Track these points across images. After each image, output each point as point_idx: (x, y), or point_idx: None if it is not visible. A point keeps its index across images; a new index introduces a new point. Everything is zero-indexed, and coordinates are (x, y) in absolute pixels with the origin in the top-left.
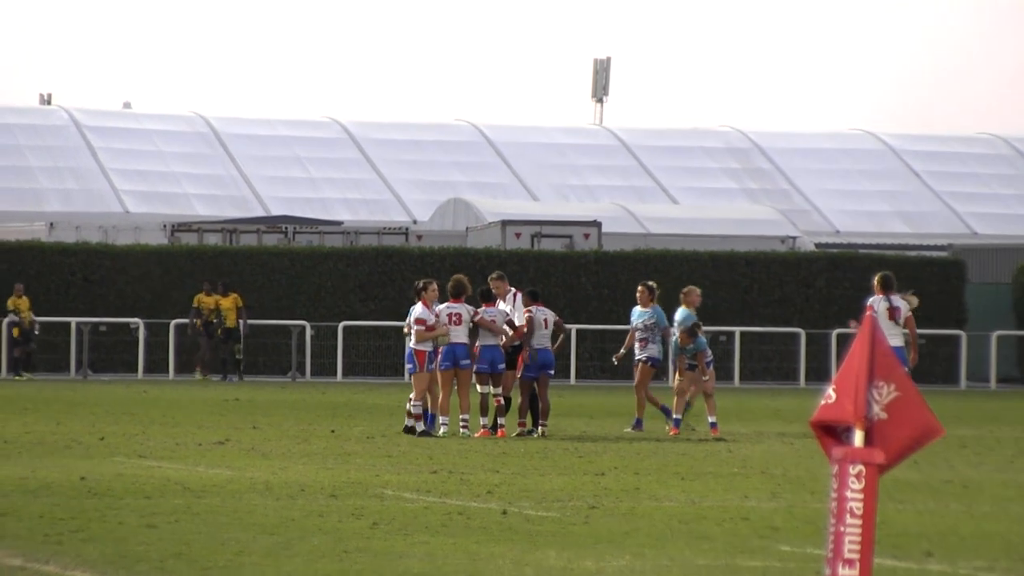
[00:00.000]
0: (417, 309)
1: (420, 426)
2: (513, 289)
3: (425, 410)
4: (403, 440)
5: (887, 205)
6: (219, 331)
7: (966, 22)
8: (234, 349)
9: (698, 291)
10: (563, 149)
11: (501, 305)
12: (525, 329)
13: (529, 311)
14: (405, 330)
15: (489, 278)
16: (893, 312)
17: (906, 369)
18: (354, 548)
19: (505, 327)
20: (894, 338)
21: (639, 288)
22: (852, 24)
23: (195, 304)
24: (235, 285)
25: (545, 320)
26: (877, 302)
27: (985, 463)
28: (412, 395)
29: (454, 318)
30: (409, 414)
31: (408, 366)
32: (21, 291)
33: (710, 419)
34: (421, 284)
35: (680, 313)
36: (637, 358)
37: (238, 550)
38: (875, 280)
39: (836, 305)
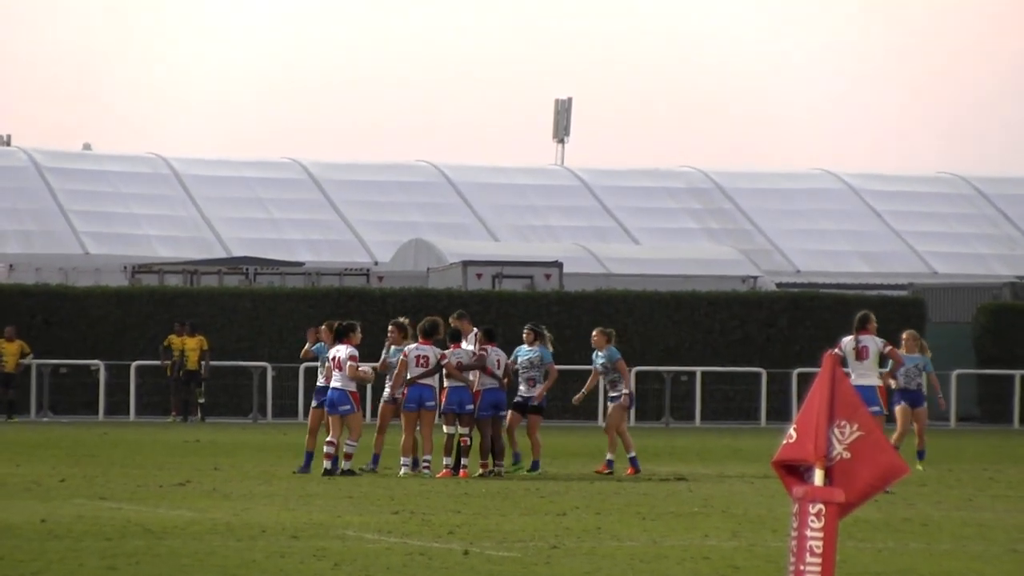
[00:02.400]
0: (352, 349)
1: (347, 464)
2: (475, 329)
3: (312, 453)
4: (364, 481)
5: (848, 244)
6: (180, 372)
7: (922, 62)
8: (195, 392)
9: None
10: (524, 190)
11: (465, 345)
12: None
13: (484, 350)
14: (324, 370)
15: (451, 318)
16: (860, 351)
17: (878, 408)
18: None
19: (467, 373)
20: (864, 377)
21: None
22: (810, 65)
23: (166, 344)
24: (200, 327)
25: (498, 361)
26: (847, 341)
27: (945, 501)
28: (353, 436)
29: (421, 360)
30: (348, 456)
31: (346, 407)
32: (12, 334)
33: (629, 454)
34: (347, 325)
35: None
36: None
37: None
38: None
39: (798, 345)
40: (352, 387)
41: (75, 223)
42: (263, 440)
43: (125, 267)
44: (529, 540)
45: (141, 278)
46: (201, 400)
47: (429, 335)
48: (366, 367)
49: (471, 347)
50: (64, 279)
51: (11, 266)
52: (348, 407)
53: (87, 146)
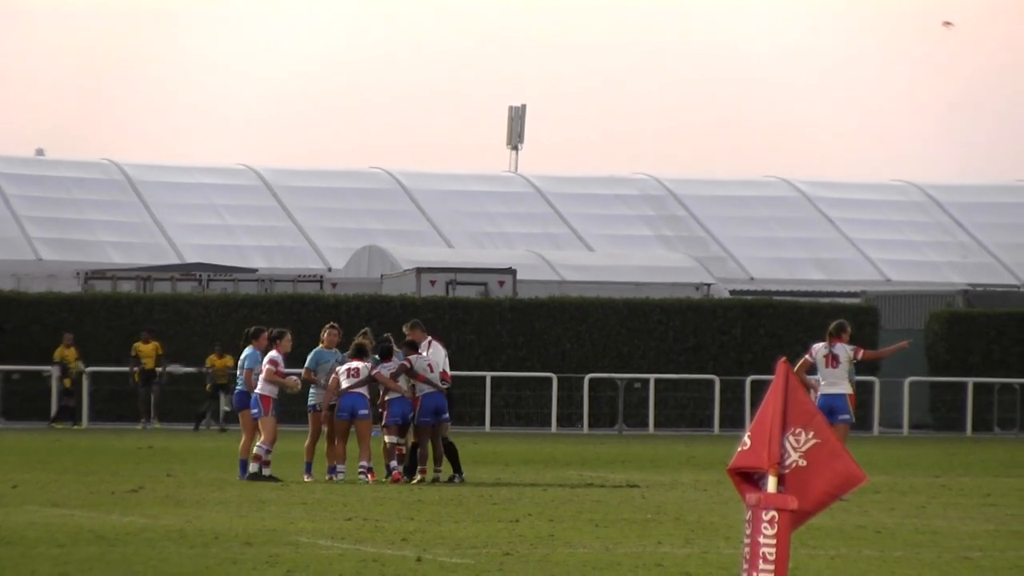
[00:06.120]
0: (271, 353)
1: (266, 470)
2: (430, 337)
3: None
4: (318, 487)
5: (801, 252)
6: (136, 376)
7: (875, 71)
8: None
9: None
10: (478, 196)
11: (422, 353)
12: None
13: (408, 360)
14: (240, 375)
15: (404, 327)
16: (831, 359)
17: (848, 416)
18: None
19: (400, 383)
20: (834, 385)
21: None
22: (762, 71)
23: (133, 353)
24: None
25: (430, 365)
26: (818, 348)
27: (898, 509)
28: (262, 440)
29: (352, 372)
30: (258, 458)
31: (253, 411)
32: (70, 341)
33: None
34: (275, 332)
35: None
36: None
37: None
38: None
39: (751, 352)
40: (266, 391)
41: (28, 229)
42: (216, 447)
43: (78, 273)
44: (482, 547)
45: (94, 284)
46: (227, 408)
47: (358, 357)
48: (293, 377)
49: (426, 354)
50: (17, 285)
51: None
52: (256, 411)
53: (40, 151)
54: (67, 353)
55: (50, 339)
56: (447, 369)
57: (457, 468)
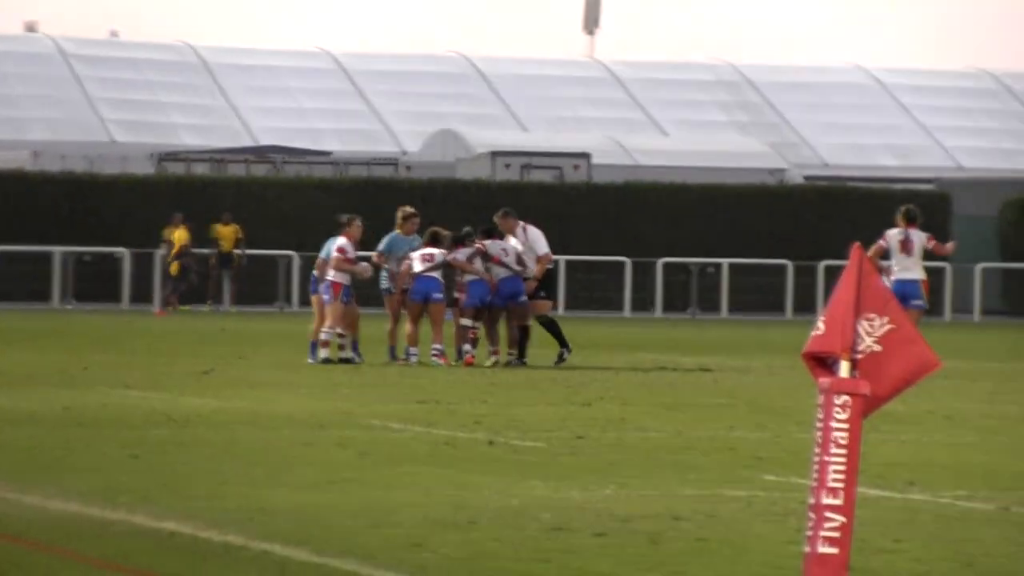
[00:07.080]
0: (340, 240)
1: (342, 352)
2: (522, 223)
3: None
4: (391, 371)
5: (875, 138)
6: (214, 258)
7: None
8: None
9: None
10: (554, 81)
11: (512, 240)
12: (551, 257)
13: (483, 244)
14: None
15: (495, 216)
16: (905, 245)
17: (921, 302)
18: (341, 478)
19: (477, 265)
20: (908, 271)
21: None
22: None
23: (212, 235)
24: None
25: (504, 250)
26: (893, 234)
27: (968, 395)
28: (327, 324)
29: (426, 257)
30: (325, 344)
31: (325, 296)
32: (179, 221)
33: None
34: (345, 219)
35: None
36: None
37: (223, 480)
38: (899, 212)
39: (824, 237)
40: (336, 278)
41: (101, 111)
42: (289, 329)
43: (151, 155)
44: (554, 430)
45: (167, 166)
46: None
47: (433, 243)
48: (363, 264)
49: (517, 242)
50: (89, 167)
51: (36, 153)
52: (327, 297)
53: (114, 33)
54: (179, 233)
55: (122, 221)
56: (544, 250)
57: (563, 341)
